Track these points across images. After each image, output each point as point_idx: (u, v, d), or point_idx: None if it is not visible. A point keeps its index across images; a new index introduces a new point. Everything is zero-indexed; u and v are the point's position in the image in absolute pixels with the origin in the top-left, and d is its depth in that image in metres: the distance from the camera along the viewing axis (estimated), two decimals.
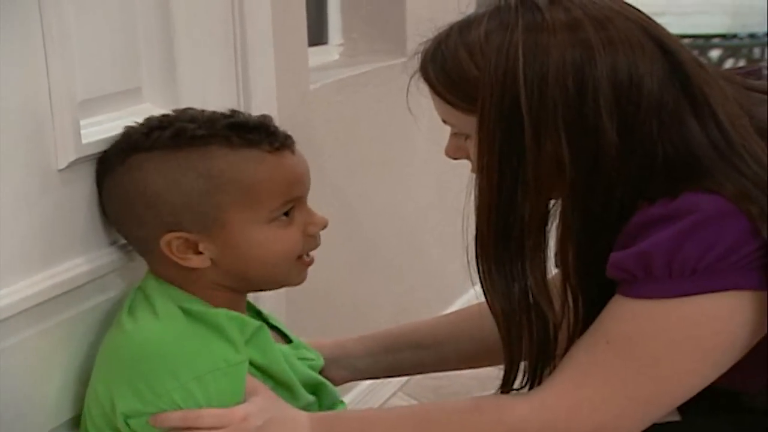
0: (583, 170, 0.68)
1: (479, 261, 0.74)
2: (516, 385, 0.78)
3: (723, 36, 2.96)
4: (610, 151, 0.67)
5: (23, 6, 0.74)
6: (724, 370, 0.69)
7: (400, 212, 1.56)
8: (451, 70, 0.72)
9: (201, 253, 0.76)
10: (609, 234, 0.70)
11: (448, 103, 0.73)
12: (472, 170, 0.76)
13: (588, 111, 0.67)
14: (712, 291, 0.66)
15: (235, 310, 0.79)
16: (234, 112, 0.79)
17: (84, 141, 0.79)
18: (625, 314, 0.69)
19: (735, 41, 2.93)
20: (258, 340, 0.77)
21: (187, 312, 0.75)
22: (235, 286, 0.79)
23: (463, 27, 0.72)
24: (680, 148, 0.68)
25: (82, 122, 0.80)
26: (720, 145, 0.68)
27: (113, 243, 0.83)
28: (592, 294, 0.72)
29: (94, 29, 0.83)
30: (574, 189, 0.69)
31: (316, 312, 1.32)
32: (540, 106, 0.67)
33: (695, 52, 2.64)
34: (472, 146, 0.74)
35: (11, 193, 0.74)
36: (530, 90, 0.67)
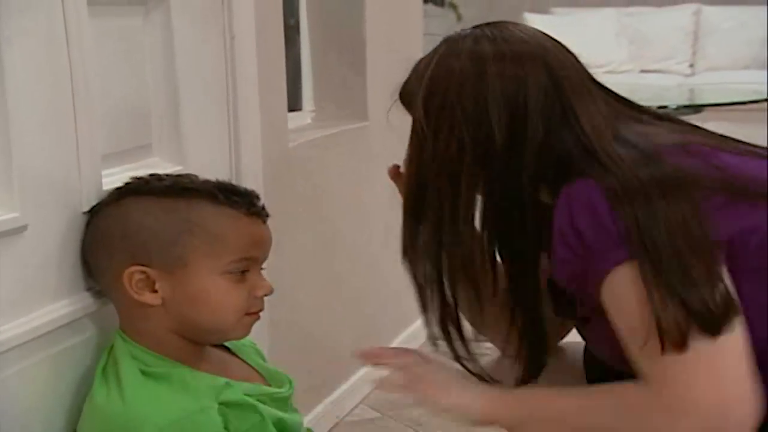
0: (478, 156, 0.71)
1: (406, 234, 0.77)
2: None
3: None
4: (499, 141, 0.70)
5: (56, 72, 0.76)
6: None
7: (363, 250, 1.59)
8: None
9: (156, 291, 0.73)
10: (521, 212, 0.71)
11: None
12: None
13: (482, 109, 0.71)
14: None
15: (190, 359, 0.76)
16: (226, 182, 0.79)
17: (104, 188, 0.81)
18: (616, 289, 0.65)
19: None
20: (227, 396, 0.73)
21: (149, 375, 0.73)
22: (182, 331, 0.75)
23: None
24: (562, 145, 0.71)
25: (103, 172, 0.82)
26: (588, 147, 0.70)
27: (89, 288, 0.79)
28: (512, 266, 0.74)
29: (115, 96, 0.86)
30: (483, 170, 0.71)
31: (294, 333, 1.33)
32: (442, 106, 0.72)
33: None
34: None
35: (43, 230, 0.75)
36: (432, 91, 0.73)
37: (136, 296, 0.74)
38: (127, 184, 0.79)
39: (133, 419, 0.70)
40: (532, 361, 0.78)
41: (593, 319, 0.74)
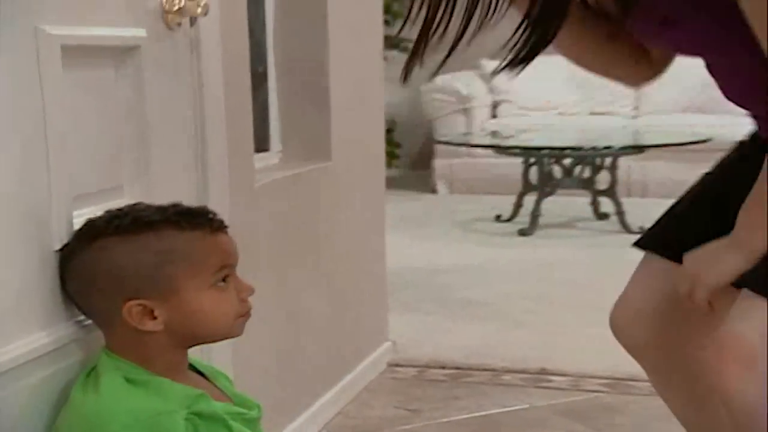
0: None
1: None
2: None
3: (573, 148, 3.29)
4: None
5: (31, 119, 0.79)
6: None
7: (324, 282, 1.62)
8: None
9: (155, 318, 0.78)
10: None
11: None
12: None
13: None
14: None
15: (176, 369, 0.80)
16: (177, 204, 0.83)
17: (75, 228, 0.83)
18: None
19: (581, 152, 3.26)
20: (199, 407, 0.77)
21: (131, 381, 0.76)
22: (183, 343, 0.81)
23: None
24: None
25: (75, 213, 0.84)
26: None
27: (70, 318, 0.82)
28: None
29: (88, 139, 0.89)
30: None
31: (257, 361, 1.35)
32: None
33: (552, 160, 2.87)
34: None
35: (13, 267, 0.77)
36: None
37: (139, 326, 0.78)
38: (89, 226, 0.81)
39: (103, 414, 0.73)
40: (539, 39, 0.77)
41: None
